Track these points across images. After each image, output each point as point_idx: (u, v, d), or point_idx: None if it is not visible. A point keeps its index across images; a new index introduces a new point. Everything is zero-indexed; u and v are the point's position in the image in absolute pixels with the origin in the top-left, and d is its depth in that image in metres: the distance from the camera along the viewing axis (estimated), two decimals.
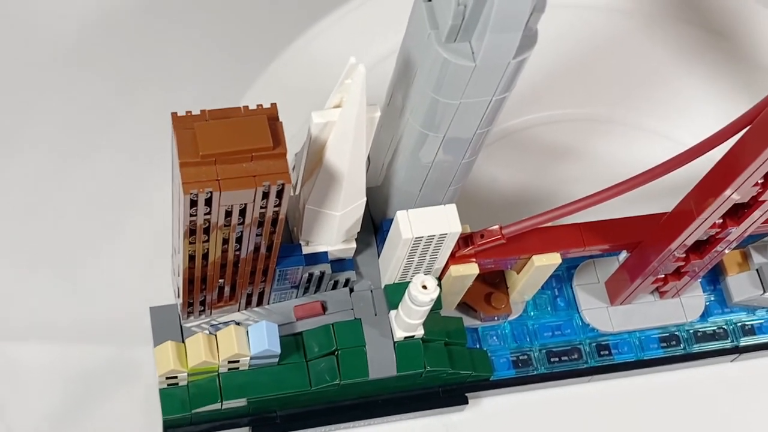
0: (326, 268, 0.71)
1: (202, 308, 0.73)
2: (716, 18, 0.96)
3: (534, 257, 0.74)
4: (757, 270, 0.82)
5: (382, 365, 0.73)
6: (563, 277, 0.82)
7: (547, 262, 0.74)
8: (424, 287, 0.67)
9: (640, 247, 0.75)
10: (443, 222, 0.67)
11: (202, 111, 0.59)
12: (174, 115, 0.58)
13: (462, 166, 0.68)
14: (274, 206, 0.61)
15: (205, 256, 0.65)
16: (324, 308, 0.73)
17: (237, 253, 0.66)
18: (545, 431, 0.80)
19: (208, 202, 0.59)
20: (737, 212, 0.69)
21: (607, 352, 0.80)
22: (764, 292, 0.81)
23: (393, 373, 0.73)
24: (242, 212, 0.61)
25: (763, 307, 0.83)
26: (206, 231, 0.62)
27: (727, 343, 0.82)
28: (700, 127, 0.90)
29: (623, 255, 0.82)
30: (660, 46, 0.93)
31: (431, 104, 0.60)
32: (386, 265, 0.73)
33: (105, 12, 0.90)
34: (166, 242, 0.77)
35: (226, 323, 0.73)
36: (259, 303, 0.74)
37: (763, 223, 0.69)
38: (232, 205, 0.60)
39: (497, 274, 0.79)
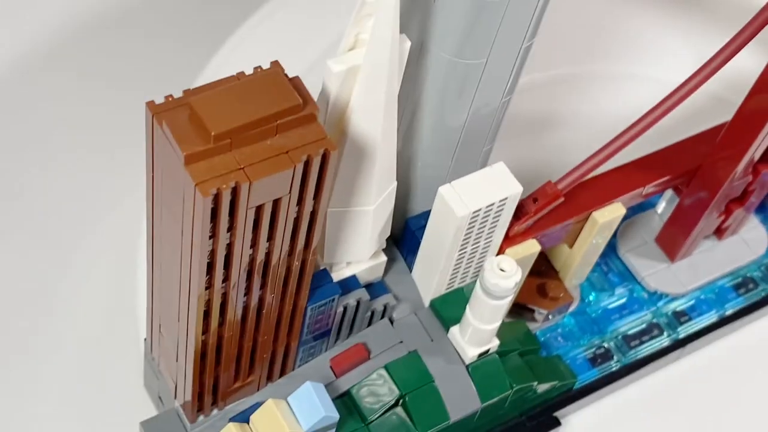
0: (362, 294, 0.55)
1: (213, 399, 0.55)
2: None
3: (594, 214, 0.60)
4: None
5: (461, 400, 0.56)
6: (605, 249, 0.68)
7: (611, 215, 0.60)
8: (502, 270, 0.52)
9: (699, 175, 0.63)
10: (498, 185, 0.53)
11: (186, 91, 0.43)
12: (151, 104, 0.42)
13: (500, 110, 0.54)
14: (314, 194, 0.44)
15: (222, 309, 0.48)
16: (367, 351, 0.57)
17: (261, 292, 0.49)
18: None
19: (231, 206, 0.42)
20: None
21: (686, 318, 0.67)
22: None
23: (477, 406, 0.57)
24: (273, 216, 0.44)
25: None
26: (226, 262, 0.45)
27: None
28: (673, 61, 0.82)
29: (662, 206, 0.69)
30: None
31: (470, 14, 0.46)
32: (427, 274, 0.57)
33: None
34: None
35: (249, 410, 0.55)
36: (282, 372, 0.57)
37: None
38: (262, 207, 0.43)
39: (541, 261, 0.64)
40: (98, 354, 0.66)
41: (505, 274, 0.52)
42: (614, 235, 0.68)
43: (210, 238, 0.43)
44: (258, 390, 0.56)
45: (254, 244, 0.45)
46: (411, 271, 0.59)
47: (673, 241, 0.67)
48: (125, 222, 0.70)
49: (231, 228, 0.43)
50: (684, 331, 0.67)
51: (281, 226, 0.45)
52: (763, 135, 0.59)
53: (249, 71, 0.44)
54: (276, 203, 0.43)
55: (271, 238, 0.45)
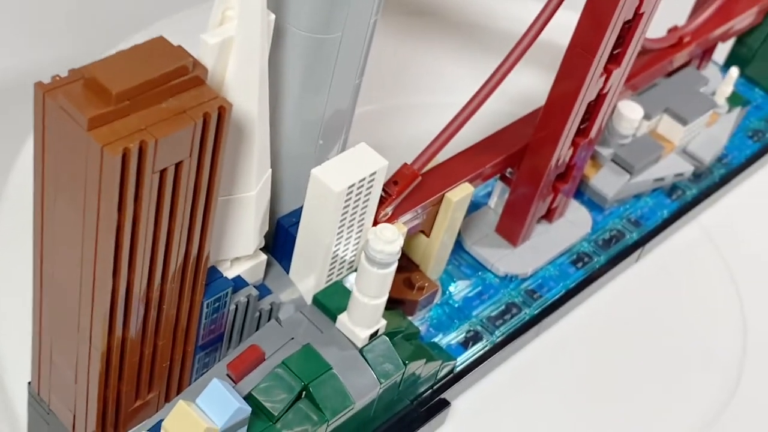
0: (251, 290, 0.56)
1: (115, 424, 0.53)
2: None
3: (447, 194, 0.63)
4: (612, 160, 0.78)
5: (360, 382, 0.57)
6: (453, 246, 0.71)
7: (462, 194, 0.64)
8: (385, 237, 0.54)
9: (528, 154, 0.68)
10: (365, 161, 0.55)
11: (72, 71, 0.43)
12: (39, 84, 0.42)
13: (353, 93, 0.57)
14: (211, 159, 0.45)
15: (126, 304, 0.47)
16: (262, 351, 0.57)
17: (161, 283, 0.48)
18: (538, 404, 0.68)
19: (137, 172, 0.42)
20: (612, 56, 0.65)
21: (538, 295, 0.71)
22: (631, 175, 0.77)
23: (376, 386, 0.58)
24: (175, 186, 0.45)
25: (635, 195, 0.79)
26: (131, 244, 0.45)
27: (629, 240, 0.76)
28: (462, 87, 0.88)
29: (494, 200, 0.74)
30: None
31: None
32: (307, 268, 0.58)
33: None
34: None
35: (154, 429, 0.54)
36: (179, 390, 0.56)
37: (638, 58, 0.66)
38: (165, 173, 0.44)
39: (401, 257, 0.66)
40: None
41: (389, 238, 0.54)
42: (459, 233, 0.72)
43: (117, 211, 0.43)
44: (157, 411, 0.55)
45: (157, 221, 0.45)
46: (288, 273, 0.60)
47: (512, 226, 0.72)
48: None
49: (137, 198, 0.43)
50: (538, 306, 0.71)
51: (182, 200, 0.45)
52: (575, 112, 0.65)
53: None
54: (178, 168, 0.44)
55: (172, 214, 0.45)
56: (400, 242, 0.55)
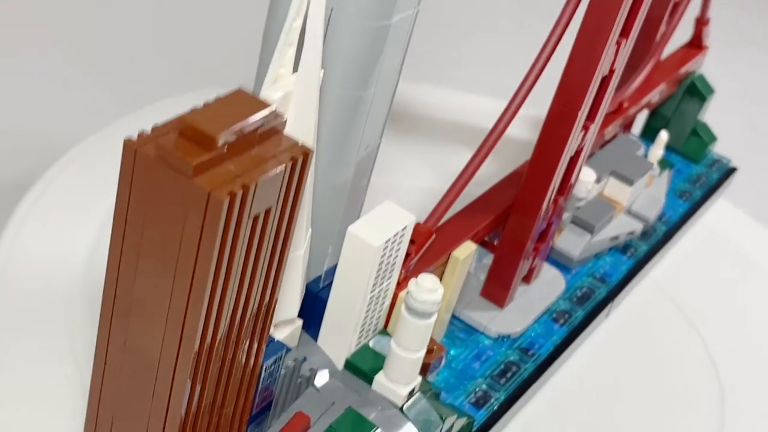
0: (297, 355, 0.55)
1: None
2: None
3: (454, 253, 0.65)
4: (572, 221, 0.82)
5: None
6: None
7: (467, 251, 0.66)
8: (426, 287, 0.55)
9: (514, 213, 0.71)
10: (394, 217, 0.57)
11: (155, 128, 0.43)
12: (128, 141, 0.42)
13: (375, 155, 0.58)
14: (291, 207, 0.46)
15: (205, 368, 0.46)
16: (308, 417, 0.56)
17: (235, 344, 0.47)
18: None
19: (238, 215, 0.42)
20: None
21: (531, 352, 0.73)
22: (592, 234, 0.81)
23: None
24: (262, 229, 0.45)
25: (596, 253, 0.82)
26: (222, 291, 0.44)
27: (599, 296, 0.79)
28: (398, 165, 0.91)
29: (473, 265, 0.76)
30: None
31: (364, 41, 0.51)
32: (338, 333, 0.58)
33: None
34: None
35: None
36: None
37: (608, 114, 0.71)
38: (256, 221, 0.44)
39: None
40: None
41: (430, 287, 0.55)
42: None
43: (215, 262, 0.42)
44: None
45: (243, 272, 0.45)
46: (316, 340, 0.59)
47: (497, 288, 0.74)
48: None
49: (232, 247, 0.43)
50: (535, 363, 0.72)
51: (264, 249, 0.45)
52: (559, 168, 0.69)
53: None
54: (266, 215, 0.44)
55: (255, 265, 0.45)
56: (442, 290, 0.56)
